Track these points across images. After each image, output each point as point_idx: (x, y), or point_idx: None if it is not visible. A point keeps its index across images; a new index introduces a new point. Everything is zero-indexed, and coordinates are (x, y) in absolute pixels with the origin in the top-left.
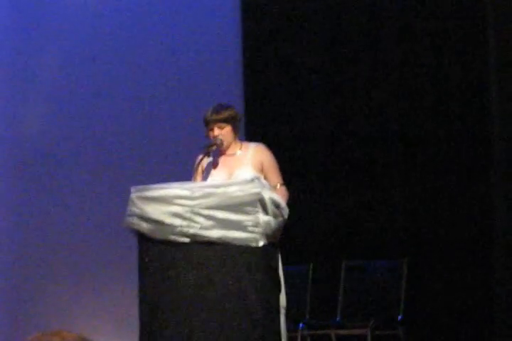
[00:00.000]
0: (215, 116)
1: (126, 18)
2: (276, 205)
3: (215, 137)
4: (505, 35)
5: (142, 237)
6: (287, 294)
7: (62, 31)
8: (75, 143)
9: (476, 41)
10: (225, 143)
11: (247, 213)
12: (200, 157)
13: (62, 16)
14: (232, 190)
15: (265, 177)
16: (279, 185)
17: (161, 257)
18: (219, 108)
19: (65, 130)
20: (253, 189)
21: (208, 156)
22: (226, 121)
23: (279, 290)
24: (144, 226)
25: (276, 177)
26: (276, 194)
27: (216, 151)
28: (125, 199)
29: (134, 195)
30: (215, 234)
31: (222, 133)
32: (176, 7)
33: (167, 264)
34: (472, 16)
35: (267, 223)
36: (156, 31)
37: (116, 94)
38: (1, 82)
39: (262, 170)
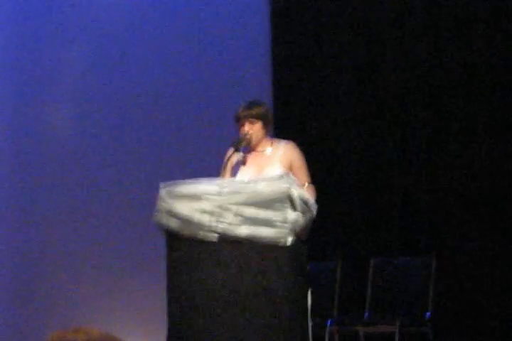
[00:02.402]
0: (246, 112)
1: (151, 21)
2: (305, 202)
3: (245, 133)
4: None
5: (171, 235)
6: (315, 291)
7: (85, 33)
8: (103, 141)
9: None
10: (255, 140)
11: (275, 209)
12: (229, 153)
13: (86, 18)
14: (260, 187)
15: (294, 175)
16: (307, 184)
17: (189, 254)
18: (251, 104)
19: (88, 130)
20: (282, 185)
21: (238, 152)
22: (257, 117)
23: (307, 288)
24: (173, 222)
25: (304, 176)
26: (305, 190)
27: (246, 148)
28: (153, 196)
29: (163, 191)
30: (244, 230)
31: (253, 129)
32: (203, 9)
33: (195, 262)
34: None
35: (296, 219)
36: (183, 34)
37: (141, 92)
38: (23, 84)
39: (291, 168)
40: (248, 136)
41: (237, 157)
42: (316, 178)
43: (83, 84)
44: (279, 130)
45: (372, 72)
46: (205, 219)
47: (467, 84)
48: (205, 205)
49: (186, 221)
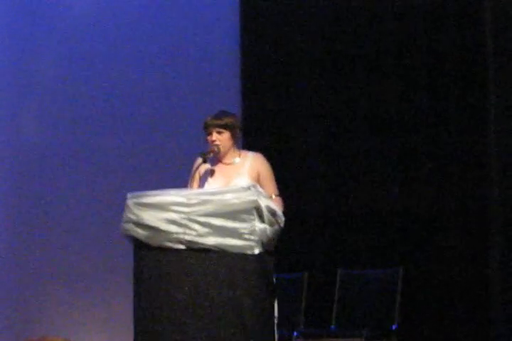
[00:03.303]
0: (214, 121)
1: (127, 22)
2: (273, 213)
3: (213, 142)
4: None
5: (138, 244)
6: (282, 302)
7: (60, 35)
8: (72, 148)
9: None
10: (223, 150)
11: (243, 221)
12: (197, 164)
13: (61, 19)
14: (228, 198)
15: (261, 187)
16: (274, 196)
17: (157, 264)
18: (220, 114)
19: (62, 135)
20: (249, 197)
21: (205, 163)
22: (225, 127)
23: (274, 299)
24: (140, 232)
25: (272, 188)
26: (272, 202)
27: (214, 159)
28: (121, 206)
29: (130, 202)
30: (211, 241)
31: (221, 138)
32: (175, 11)
33: (162, 271)
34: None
35: (263, 231)
36: (157, 39)
37: (115, 99)
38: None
39: (258, 180)
40: (215, 146)
41: (204, 168)
42: (284, 189)
43: (54, 92)
44: (247, 138)
45: (345, 77)
46: (172, 229)
47: (438, 82)
48: (172, 216)
49: (153, 231)
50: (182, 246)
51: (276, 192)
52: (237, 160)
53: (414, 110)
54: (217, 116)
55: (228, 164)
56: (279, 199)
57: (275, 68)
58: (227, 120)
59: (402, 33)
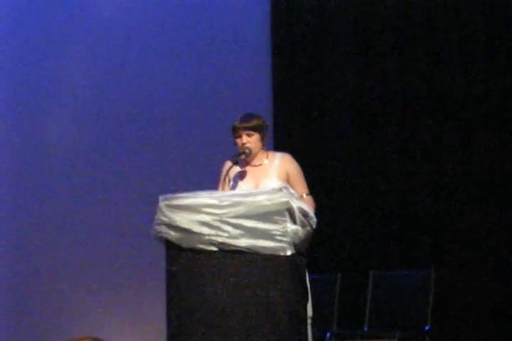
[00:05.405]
0: (243, 124)
1: (156, 24)
2: (305, 214)
3: (243, 144)
4: None
5: (170, 246)
6: (315, 303)
7: (87, 35)
8: (102, 150)
9: None
10: (253, 152)
11: (275, 222)
12: (227, 166)
13: (89, 25)
14: (260, 199)
15: (291, 187)
16: (305, 195)
17: (189, 265)
18: (247, 116)
19: (89, 139)
20: (281, 198)
21: (236, 165)
22: (254, 129)
23: (307, 300)
24: (172, 234)
25: (302, 187)
26: (304, 203)
27: (243, 161)
28: (152, 208)
29: (162, 204)
30: (243, 243)
31: (251, 140)
32: (206, 11)
33: (194, 273)
34: None
35: (295, 232)
36: (185, 44)
37: (143, 103)
38: (26, 92)
39: (287, 180)
40: (246, 149)
41: (234, 170)
42: (315, 191)
43: (83, 95)
44: (278, 139)
45: (374, 82)
46: (205, 231)
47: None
48: (204, 218)
49: (185, 233)
50: (214, 248)
51: (307, 191)
52: (265, 161)
53: (446, 115)
54: (245, 119)
55: (257, 166)
56: (310, 198)
57: (306, 66)
58: (255, 122)
59: (434, 33)
